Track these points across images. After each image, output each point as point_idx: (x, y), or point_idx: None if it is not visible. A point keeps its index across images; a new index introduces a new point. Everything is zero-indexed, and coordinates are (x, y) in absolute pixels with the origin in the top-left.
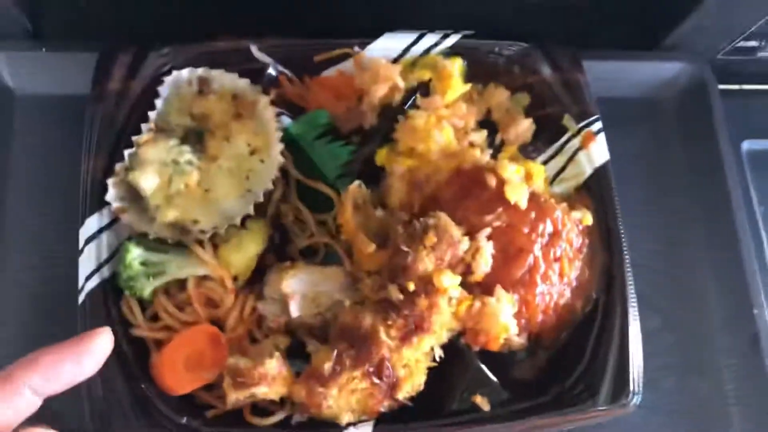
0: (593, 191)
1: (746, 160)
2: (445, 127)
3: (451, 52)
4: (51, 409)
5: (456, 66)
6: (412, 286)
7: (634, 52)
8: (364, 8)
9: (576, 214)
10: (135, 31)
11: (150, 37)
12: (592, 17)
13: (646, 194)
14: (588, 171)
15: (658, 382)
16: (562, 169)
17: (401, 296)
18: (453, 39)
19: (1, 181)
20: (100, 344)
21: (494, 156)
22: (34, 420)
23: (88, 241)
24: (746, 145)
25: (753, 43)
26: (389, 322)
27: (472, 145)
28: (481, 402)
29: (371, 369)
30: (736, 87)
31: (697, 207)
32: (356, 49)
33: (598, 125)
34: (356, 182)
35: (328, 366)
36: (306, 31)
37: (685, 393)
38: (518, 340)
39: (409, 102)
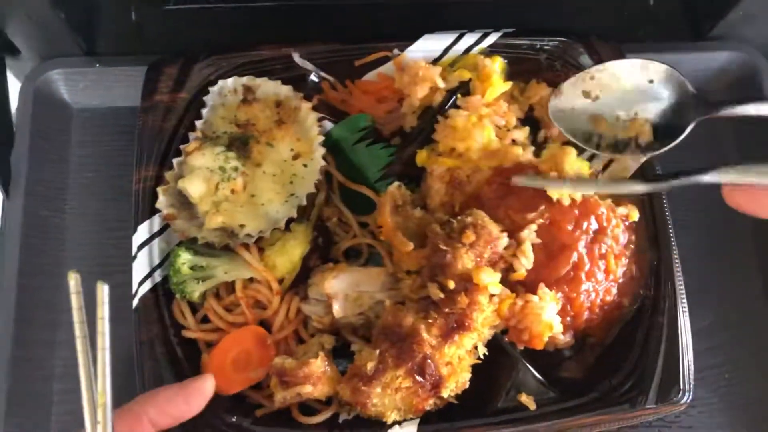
0: None
1: None
2: (485, 126)
3: (492, 51)
4: None
5: (497, 64)
6: (452, 284)
7: (680, 43)
8: (402, 11)
9: (622, 210)
10: (182, 44)
11: (197, 48)
12: (636, 10)
13: (696, 189)
14: (634, 166)
15: (712, 380)
16: (608, 164)
17: (441, 294)
18: (493, 37)
19: (60, 191)
20: (207, 386)
21: (537, 153)
22: None
23: (140, 247)
24: None
25: None
26: (430, 321)
27: (514, 142)
28: (527, 401)
29: (414, 367)
30: None
31: None
32: (396, 51)
33: None
34: (395, 183)
35: (371, 365)
36: (346, 37)
37: (739, 390)
38: (564, 338)
39: (449, 102)
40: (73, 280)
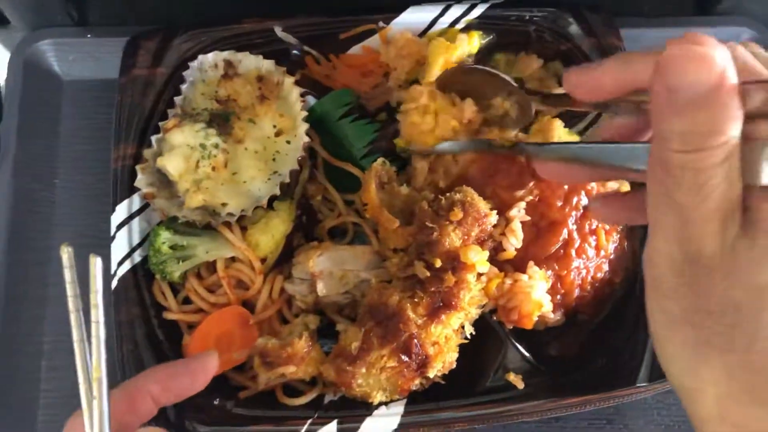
0: None
1: None
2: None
3: (480, 23)
4: None
5: (474, 40)
6: (438, 263)
7: (687, 18)
8: None
9: (612, 185)
10: (175, 16)
11: (176, 22)
12: None
13: None
14: None
15: None
16: None
17: (428, 273)
18: (480, 9)
19: (50, 162)
20: (210, 363)
21: (526, 130)
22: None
23: (119, 226)
24: None
25: None
26: (416, 300)
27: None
28: (515, 380)
29: (400, 347)
30: None
31: None
32: (381, 24)
33: None
34: (380, 159)
35: (355, 345)
36: (330, 10)
37: None
38: (554, 317)
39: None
40: (66, 254)
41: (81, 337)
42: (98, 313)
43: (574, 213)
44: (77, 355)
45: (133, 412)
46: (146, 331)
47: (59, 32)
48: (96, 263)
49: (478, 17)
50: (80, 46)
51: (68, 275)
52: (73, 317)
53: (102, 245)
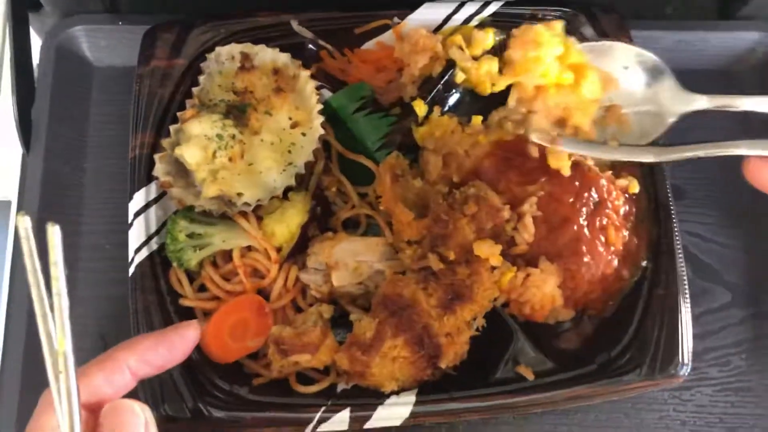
0: None
1: None
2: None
3: (493, 20)
4: None
5: (489, 37)
6: (452, 255)
7: (707, 22)
8: None
9: (622, 182)
10: (206, 6)
11: (217, 10)
12: None
13: (717, 168)
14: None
15: (728, 359)
16: None
17: (442, 265)
18: (494, 6)
19: (79, 148)
20: (190, 334)
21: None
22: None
23: (137, 214)
24: None
25: None
26: (430, 291)
27: None
28: (525, 371)
29: (413, 337)
30: None
31: None
32: (396, 20)
33: None
34: (394, 153)
35: (370, 334)
36: (345, 5)
37: (756, 371)
38: (564, 311)
39: (449, 73)
40: (23, 225)
41: (43, 311)
42: (59, 285)
43: (584, 209)
44: (41, 329)
45: (109, 384)
46: (162, 317)
47: (91, 19)
48: (54, 232)
49: (492, 15)
50: (111, 33)
51: (25, 247)
52: (34, 291)
53: (126, 230)
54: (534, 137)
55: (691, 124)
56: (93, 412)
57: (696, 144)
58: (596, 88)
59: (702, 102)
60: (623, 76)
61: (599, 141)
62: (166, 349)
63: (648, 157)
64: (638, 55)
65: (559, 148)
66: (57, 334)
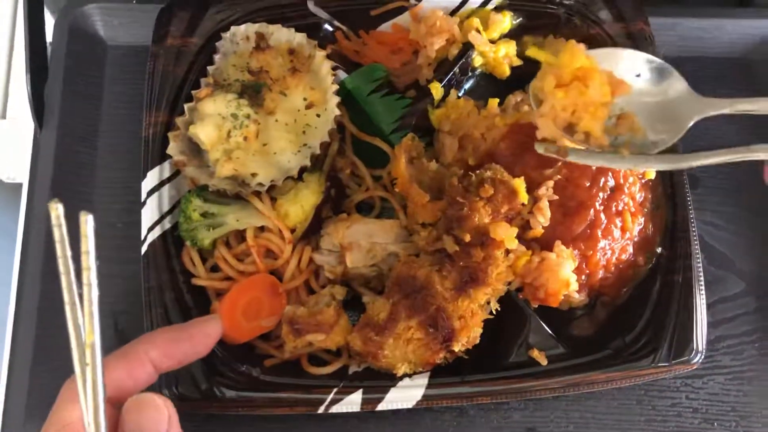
0: None
1: None
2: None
3: (510, 4)
4: None
5: (507, 20)
6: (468, 238)
7: (725, 9)
8: None
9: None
10: None
11: None
12: None
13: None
14: None
15: (740, 348)
16: None
17: (457, 247)
18: None
19: (92, 126)
20: (213, 328)
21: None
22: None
23: (150, 193)
24: None
25: None
26: (444, 273)
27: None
28: (539, 356)
29: (427, 319)
30: None
31: None
32: (412, 1)
33: None
34: (409, 135)
35: (383, 315)
36: None
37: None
38: (578, 297)
39: (464, 58)
40: (54, 212)
41: (72, 300)
42: (90, 276)
43: (601, 194)
44: (69, 319)
45: (131, 377)
46: (175, 296)
47: None
48: (87, 221)
49: None
50: (125, 12)
51: (57, 234)
52: (64, 279)
53: (137, 209)
54: (541, 149)
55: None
56: (114, 405)
57: (711, 151)
58: (605, 90)
59: (718, 106)
60: (635, 83)
61: (610, 150)
62: (189, 344)
63: (662, 166)
64: (649, 62)
65: (567, 159)
66: (86, 326)
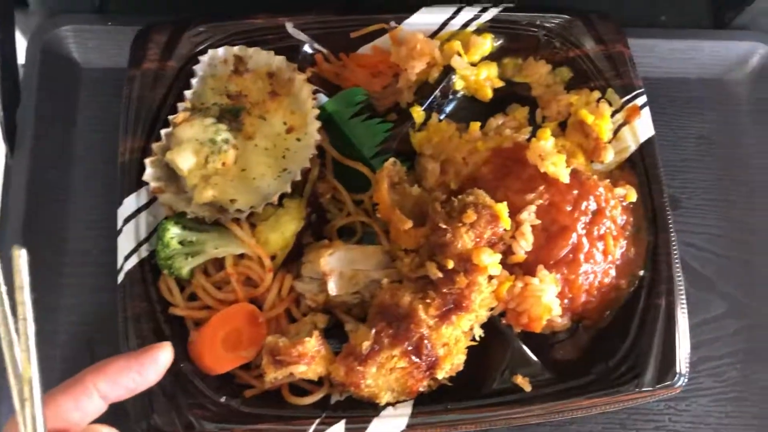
0: (638, 167)
1: None
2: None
3: (491, 26)
4: None
5: (487, 42)
6: (451, 264)
7: (701, 30)
8: None
9: (620, 191)
10: (197, 5)
11: (209, 11)
12: None
13: (713, 177)
14: (632, 147)
15: (722, 369)
16: None
17: (440, 274)
18: (492, 12)
19: (66, 151)
20: (163, 356)
21: (534, 134)
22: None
23: (126, 220)
24: None
25: None
26: (428, 300)
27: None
28: (522, 382)
29: (410, 347)
30: None
31: (765, 192)
32: (392, 24)
33: (643, 99)
34: (391, 159)
35: (366, 344)
36: (341, 8)
37: (751, 381)
38: (561, 321)
39: (445, 81)
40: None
41: (9, 336)
42: (25, 310)
43: (583, 218)
44: (7, 356)
45: (78, 408)
46: (152, 326)
47: (79, 18)
48: (21, 255)
49: (490, 20)
50: (100, 34)
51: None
52: None
53: (115, 237)
54: None
55: None
56: None
57: None
58: None
59: None
60: None
61: None
62: (137, 372)
63: None
64: None
65: None
66: (22, 361)
